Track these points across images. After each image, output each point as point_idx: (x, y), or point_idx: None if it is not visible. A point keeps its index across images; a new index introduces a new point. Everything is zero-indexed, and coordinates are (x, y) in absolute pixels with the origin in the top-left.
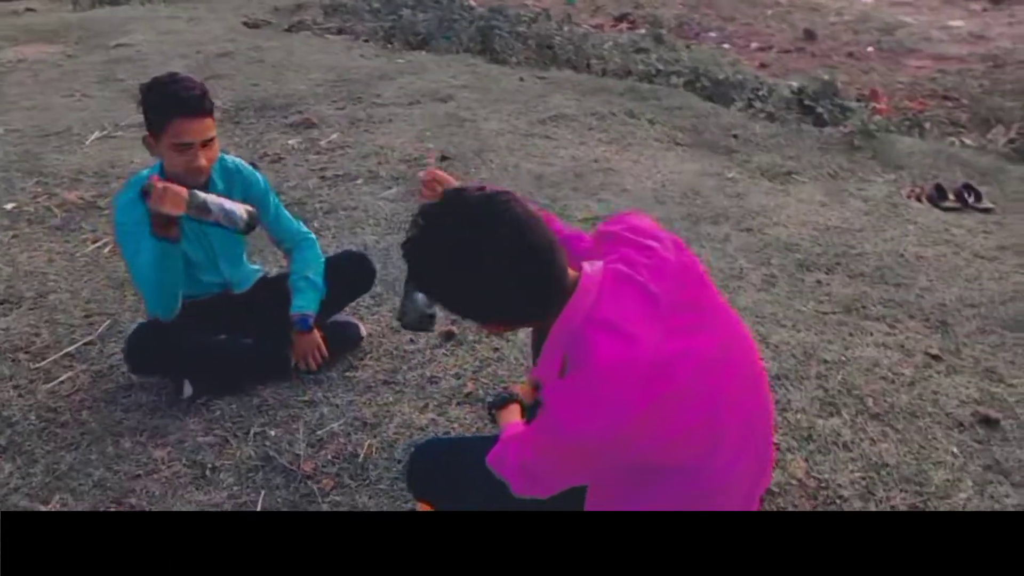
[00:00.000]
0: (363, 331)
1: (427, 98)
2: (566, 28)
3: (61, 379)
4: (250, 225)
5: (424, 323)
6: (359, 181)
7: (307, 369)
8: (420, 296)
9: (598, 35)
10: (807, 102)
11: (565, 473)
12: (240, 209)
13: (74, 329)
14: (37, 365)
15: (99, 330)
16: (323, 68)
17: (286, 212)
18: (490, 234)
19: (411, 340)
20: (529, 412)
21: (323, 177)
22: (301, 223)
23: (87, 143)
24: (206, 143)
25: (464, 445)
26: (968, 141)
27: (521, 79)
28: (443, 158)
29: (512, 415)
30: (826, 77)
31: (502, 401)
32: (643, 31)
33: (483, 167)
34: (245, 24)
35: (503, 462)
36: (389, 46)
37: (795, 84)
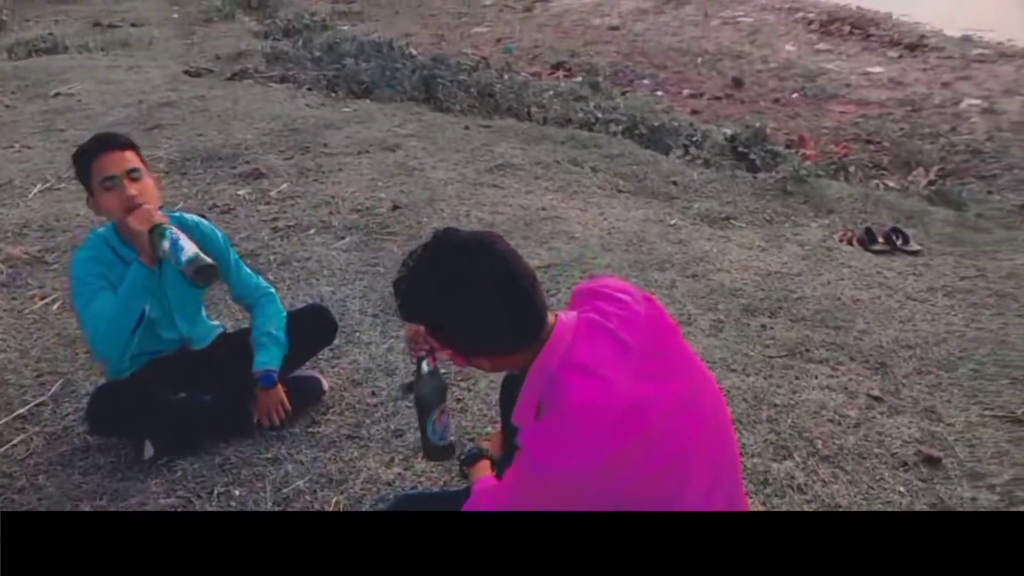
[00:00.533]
0: (325, 385)
1: (375, 147)
2: (506, 76)
3: (14, 442)
4: (198, 272)
5: (442, 453)
6: (311, 231)
7: (270, 425)
8: (430, 427)
9: (537, 83)
10: (740, 148)
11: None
12: (191, 252)
13: (25, 390)
14: None
15: (51, 390)
16: (269, 117)
17: (246, 268)
18: (478, 262)
19: (373, 393)
20: (499, 466)
21: (275, 228)
22: (260, 278)
23: (30, 196)
24: (132, 175)
25: (437, 500)
26: (891, 184)
27: (466, 128)
28: (394, 207)
29: (483, 470)
30: (757, 124)
31: (473, 457)
32: (580, 79)
33: (434, 216)
34: (187, 73)
35: (479, 506)
36: (333, 95)
37: (728, 131)
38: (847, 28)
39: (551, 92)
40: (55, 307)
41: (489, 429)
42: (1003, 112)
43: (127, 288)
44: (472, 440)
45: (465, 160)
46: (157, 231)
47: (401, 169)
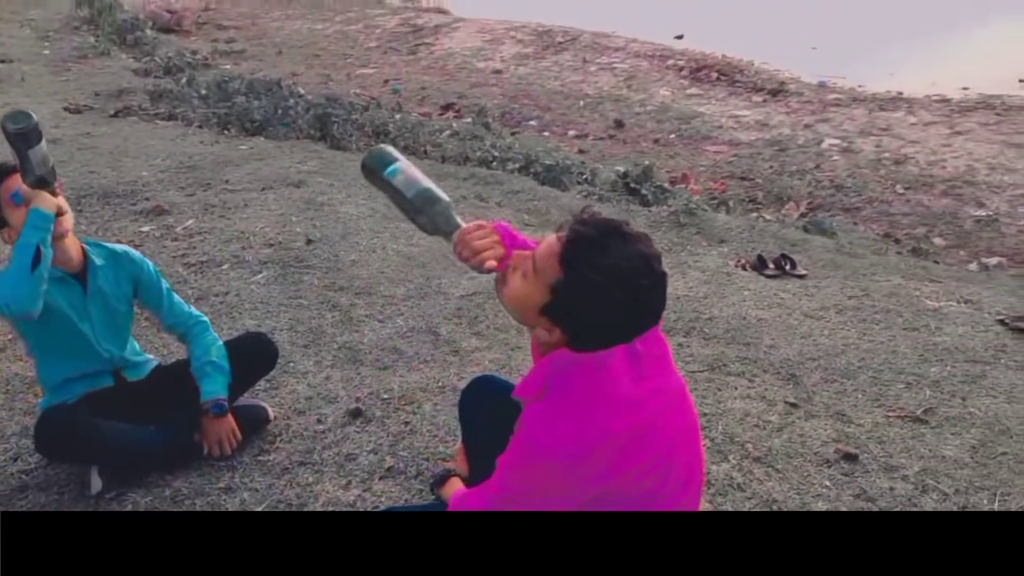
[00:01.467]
0: (271, 413)
1: (278, 183)
2: (397, 116)
3: None
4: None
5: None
6: (225, 266)
7: (220, 454)
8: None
9: (429, 123)
10: (632, 184)
11: (532, 494)
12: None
13: None
14: None
15: None
16: (163, 154)
17: (177, 297)
18: (652, 271)
19: (319, 420)
20: (470, 483)
21: (187, 264)
22: (191, 306)
23: None
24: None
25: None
26: (768, 216)
27: None
28: (308, 241)
29: (454, 487)
30: (645, 162)
31: (443, 479)
32: (470, 120)
33: (351, 249)
34: (67, 109)
35: (465, 503)
36: (226, 132)
37: (620, 168)
38: (715, 75)
39: (446, 132)
40: None
41: (442, 448)
42: (860, 151)
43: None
44: (427, 460)
45: (373, 195)
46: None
47: (310, 205)
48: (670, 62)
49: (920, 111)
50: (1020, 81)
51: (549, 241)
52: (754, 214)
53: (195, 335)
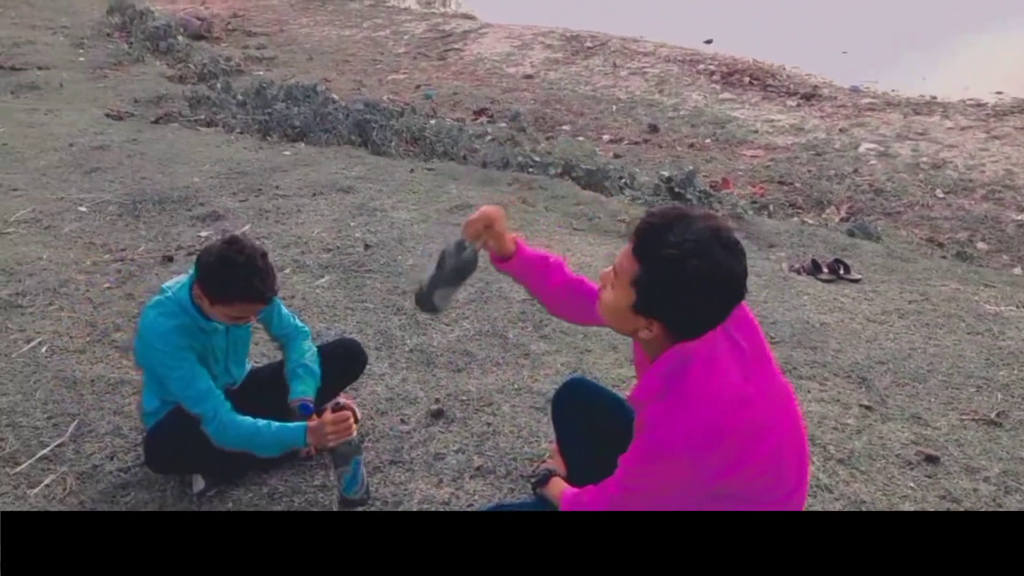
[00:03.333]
0: (358, 413)
1: (328, 189)
2: (433, 121)
3: (46, 482)
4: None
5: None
6: (287, 271)
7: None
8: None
9: (467, 127)
10: (676, 189)
11: (653, 493)
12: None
13: (39, 432)
14: (15, 470)
15: (68, 431)
16: (210, 160)
17: (285, 308)
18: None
19: (402, 421)
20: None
21: None
22: (297, 317)
23: None
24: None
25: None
26: (810, 220)
27: (411, 171)
28: (366, 246)
29: (559, 487)
30: (689, 167)
31: (544, 479)
32: (503, 124)
33: (408, 254)
34: (109, 116)
35: (581, 503)
36: (268, 138)
37: (665, 173)
38: (746, 79)
39: (487, 136)
40: (43, 350)
41: (527, 448)
42: (897, 156)
43: (276, 437)
44: (514, 460)
45: (422, 201)
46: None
47: (362, 210)
48: (701, 67)
49: (956, 116)
50: None
51: (624, 247)
52: (795, 218)
53: (295, 341)
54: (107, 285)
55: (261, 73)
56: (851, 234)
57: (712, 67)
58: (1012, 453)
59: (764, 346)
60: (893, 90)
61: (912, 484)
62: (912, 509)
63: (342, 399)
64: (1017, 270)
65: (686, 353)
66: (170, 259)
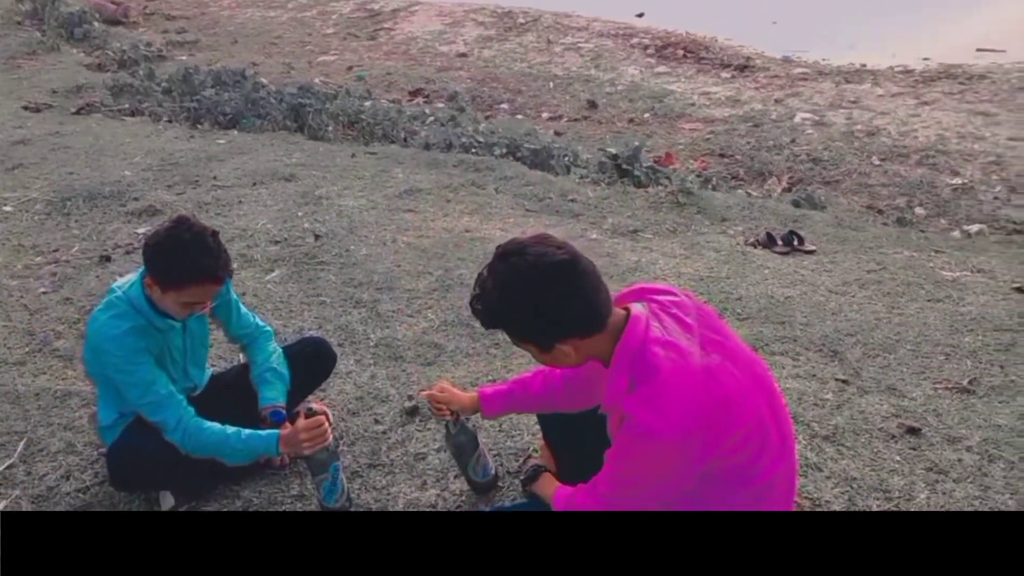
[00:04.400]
0: (330, 416)
1: (269, 178)
2: (368, 103)
3: (1, 506)
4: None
5: (487, 486)
6: (234, 266)
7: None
8: (471, 469)
9: (404, 108)
10: (624, 166)
11: (643, 485)
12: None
13: None
14: None
15: (17, 451)
16: (140, 152)
17: (244, 307)
18: (541, 255)
19: (376, 421)
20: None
21: None
22: (257, 316)
23: None
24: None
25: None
26: (753, 192)
27: (353, 155)
28: (316, 237)
29: (550, 483)
30: (636, 143)
31: (534, 475)
32: (440, 104)
33: (361, 244)
34: (27, 108)
35: (573, 503)
36: (199, 126)
37: (612, 150)
38: (680, 52)
39: (428, 118)
40: None
41: (510, 443)
42: (832, 124)
43: (246, 445)
44: (497, 456)
45: (369, 187)
46: (324, 457)
47: (307, 199)
48: (634, 40)
49: (886, 83)
50: (977, 50)
51: None
52: (740, 191)
53: (258, 344)
54: (42, 290)
55: (184, 58)
56: (796, 204)
57: (646, 41)
58: (989, 420)
59: (712, 315)
60: (824, 59)
61: (898, 458)
62: (900, 484)
63: (313, 403)
64: (956, 233)
65: (636, 342)
66: (108, 259)
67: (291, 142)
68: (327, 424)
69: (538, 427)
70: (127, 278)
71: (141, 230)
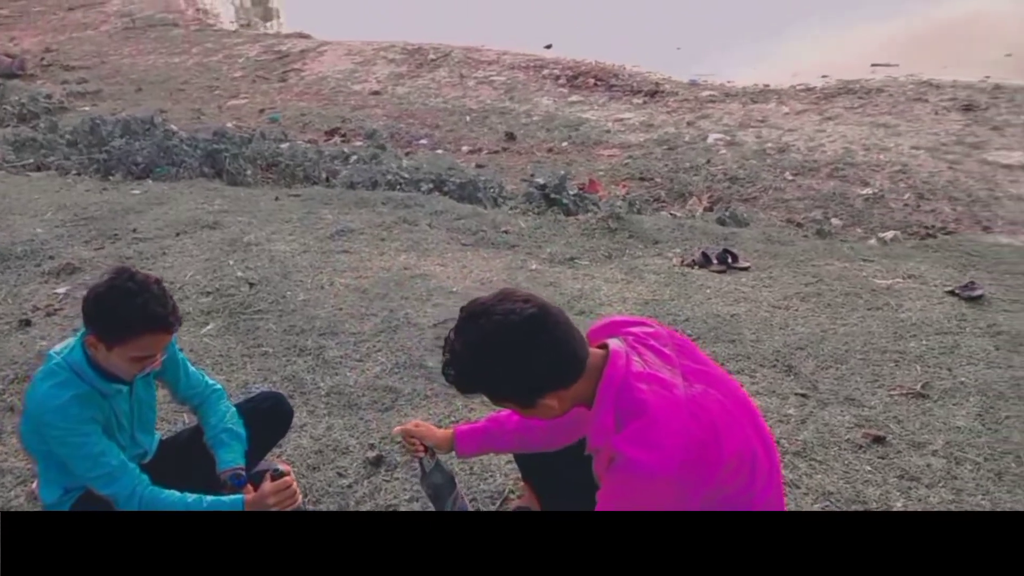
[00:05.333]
0: (292, 475)
1: (191, 227)
2: (285, 146)
3: None
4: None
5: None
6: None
7: None
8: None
9: (323, 148)
10: (552, 195)
11: None
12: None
13: None
14: None
15: None
16: (51, 207)
17: (192, 367)
18: (508, 313)
19: (340, 475)
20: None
21: None
22: (206, 375)
23: None
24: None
25: None
26: (677, 213)
27: (276, 198)
28: (249, 285)
29: None
30: (562, 172)
31: None
32: (359, 143)
33: (297, 288)
34: None
35: None
36: (110, 178)
37: (540, 180)
38: (591, 81)
39: (351, 157)
40: None
41: (483, 485)
42: (743, 143)
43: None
44: (474, 500)
45: (299, 230)
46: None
47: (235, 246)
48: (546, 72)
49: (790, 101)
50: (872, 65)
51: None
52: (663, 212)
53: (211, 404)
54: None
55: (88, 108)
56: (722, 223)
57: (557, 71)
58: (948, 423)
59: (688, 343)
60: (729, 81)
61: (869, 468)
62: (876, 493)
63: (279, 463)
64: (872, 241)
65: (618, 379)
66: (28, 323)
67: (210, 188)
68: (295, 485)
69: (511, 467)
70: (65, 342)
71: (61, 290)
